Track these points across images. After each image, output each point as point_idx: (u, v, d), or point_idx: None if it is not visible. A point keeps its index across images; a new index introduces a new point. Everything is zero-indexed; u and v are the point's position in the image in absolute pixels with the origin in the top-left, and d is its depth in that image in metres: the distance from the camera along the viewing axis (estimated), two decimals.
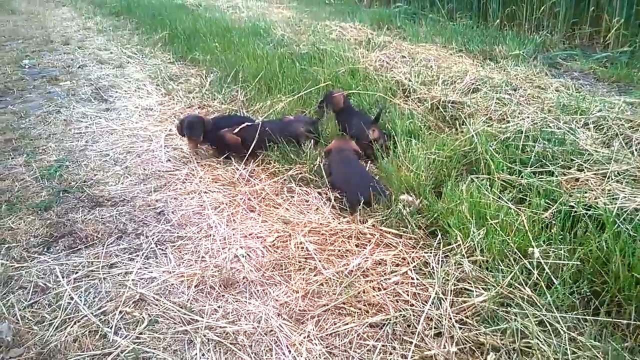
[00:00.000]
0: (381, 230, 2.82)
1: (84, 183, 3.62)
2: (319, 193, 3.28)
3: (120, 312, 2.40)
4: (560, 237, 2.36)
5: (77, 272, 2.69)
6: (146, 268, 2.70)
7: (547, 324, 2.03)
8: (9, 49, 8.38)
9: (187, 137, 3.88)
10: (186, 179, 3.63)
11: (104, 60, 7.27)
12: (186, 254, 2.81)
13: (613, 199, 2.50)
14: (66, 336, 2.27)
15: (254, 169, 3.68)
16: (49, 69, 6.95)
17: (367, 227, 2.85)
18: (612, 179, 2.69)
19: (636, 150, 3.00)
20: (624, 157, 2.86)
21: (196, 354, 2.14)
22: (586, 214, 2.46)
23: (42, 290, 2.58)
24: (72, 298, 2.51)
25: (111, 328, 2.30)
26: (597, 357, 1.85)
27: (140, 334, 2.27)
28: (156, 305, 2.43)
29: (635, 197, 2.49)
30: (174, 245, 2.88)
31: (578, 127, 3.31)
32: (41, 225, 3.11)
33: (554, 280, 2.17)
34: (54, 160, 4.02)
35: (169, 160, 3.93)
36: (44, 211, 3.28)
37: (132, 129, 4.61)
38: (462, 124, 3.52)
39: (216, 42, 6.42)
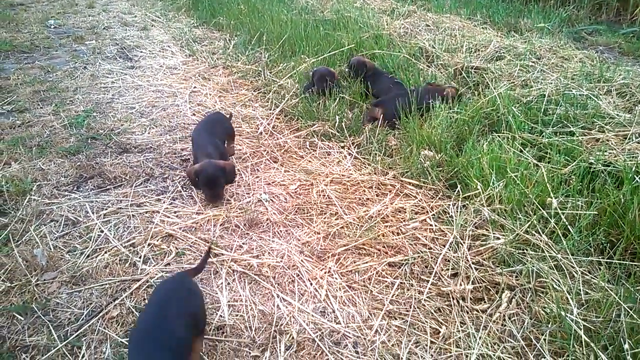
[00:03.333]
0: (402, 181, 2.89)
1: (111, 131, 3.72)
2: (342, 147, 3.35)
3: (149, 244, 2.51)
4: (578, 189, 2.41)
5: (106, 209, 2.80)
6: (173, 207, 2.80)
7: (563, 267, 2.09)
8: (34, 10, 8.46)
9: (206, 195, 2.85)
10: None
11: (128, 23, 7.33)
12: None
13: (633, 157, 2.54)
14: (97, 263, 2.39)
15: (277, 125, 3.75)
16: (74, 29, 7.02)
17: (388, 179, 2.92)
18: (632, 140, 2.72)
19: None
20: None
21: (222, 282, 2.25)
22: (605, 170, 2.51)
23: (73, 224, 2.70)
24: (102, 231, 2.62)
25: (140, 258, 2.42)
26: (609, 297, 1.91)
27: (168, 264, 2.38)
28: (183, 240, 2.54)
29: None
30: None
31: (601, 94, 3.33)
32: (71, 167, 3.22)
33: (570, 229, 2.23)
34: (81, 110, 4.12)
35: (194, 114, 4.01)
36: (73, 155, 3.38)
37: (157, 86, 4.69)
38: (486, 88, 3.55)
39: (241, 5, 6.45)
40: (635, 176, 2.38)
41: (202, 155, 2.84)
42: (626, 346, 1.71)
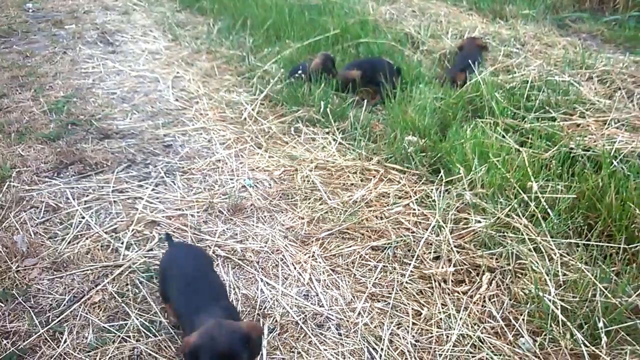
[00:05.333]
0: (386, 166, 2.91)
1: (92, 117, 3.67)
2: (326, 133, 3.34)
3: (131, 230, 2.49)
4: (558, 173, 2.45)
5: (87, 195, 2.77)
6: (156, 194, 2.79)
7: (542, 249, 2.13)
8: None
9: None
10: (194, 117, 3.68)
11: (109, 7, 7.18)
12: (195, 182, 2.89)
13: (611, 142, 2.58)
14: (79, 249, 2.37)
15: (261, 110, 3.73)
16: (53, 13, 6.87)
17: (372, 164, 2.94)
18: (611, 126, 2.77)
19: (637, 102, 3.06)
20: (624, 106, 2.94)
21: None
22: (584, 155, 2.55)
23: (53, 210, 2.67)
24: (83, 217, 2.60)
25: (122, 244, 2.41)
26: (585, 278, 1.95)
27: (150, 249, 2.38)
28: (166, 225, 2.53)
29: (632, 141, 2.57)
30: (183, 175, 2.96)
31: (582, 80, 3.37)
32: (51, 153, 3.18)
33: (550, 212, 2.26)
34: (61, 95, 4.06)
35: (177, 100, 3.97)
36: (53, 141, 3.34)
37: (138, 71, 4.62)
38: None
39: None
40: (613, 161, 2.43)
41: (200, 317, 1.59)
42: (600, 324, 1.77)
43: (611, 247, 2.14)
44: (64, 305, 2.08)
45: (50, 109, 3.78)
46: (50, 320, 2.00)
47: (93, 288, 2.16)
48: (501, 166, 2.49)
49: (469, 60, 3.67)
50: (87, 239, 2.45)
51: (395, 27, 4.72)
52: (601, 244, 2.15)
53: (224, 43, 5.09)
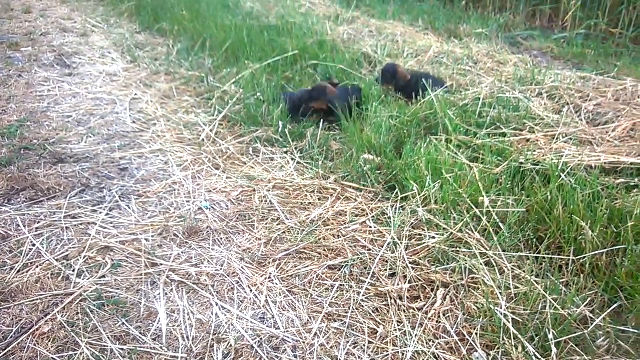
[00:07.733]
0: (343, 185, 2.93)
1: (46, 141, 3.58)
2: (285, 153, 3.35)
3: (83, 257, 2.42)
4: (508, 187, 2.51)
5: (38, 222, 2.69)
6: (110, 218, 2.72)
7: (494, 263, 2.18)
8: None
9: None
10: (151, 139, 3.63)
11: (67, 29, 7.08)
12: (150, 206, 2.84)
13: (559, 156, 2.67)
14: (28, 278, 2.29)
15: (220, 131, 3.71)
16: (9, 36, 6.72)
17: (330, 183, 2.95)
18: (560, 140, 2.86)
19: (584, 116, 3.18)
20: (571, 121, 3.05)
21: (159, 293, 2.20)
22: (534, 169, 2.63)
23: (2, 238, 2.58)
24: (33, 245, 2.51)
25: (74, 271, 2.33)
26: (536, 290, 2.00)
27: (103, 276, 2.31)
28: (119, 251, 2.47)
29: (579, 154, 2.66)
30: (138, 199, 2.91)
31: (532, 96, 3.48)
32: (1, 179, 3.07)
33: (502, 226, 2.32)
34: (15, 120, 3.95)
35: (134, 122, 3.92)
36: (5, 167, 3.23)
37: (95, 93, 4.55)
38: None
39: (184, 12, 6.37)
40: (561, 174, 2.51)
41: None
42: (551, 336, 1.80)
43: (560, 259, 2.21)
44: (11, 337, 1.99)
45: (2, 134, 3.67)
46: None
47: (42, 318, 2.08)
48: (454, 182, 2.54)
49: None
50: (37, 267, 2.37)
51: (353, 47, 4.81)
52: (551, 256, 2.21)
53: (183, 64, 5.08)
